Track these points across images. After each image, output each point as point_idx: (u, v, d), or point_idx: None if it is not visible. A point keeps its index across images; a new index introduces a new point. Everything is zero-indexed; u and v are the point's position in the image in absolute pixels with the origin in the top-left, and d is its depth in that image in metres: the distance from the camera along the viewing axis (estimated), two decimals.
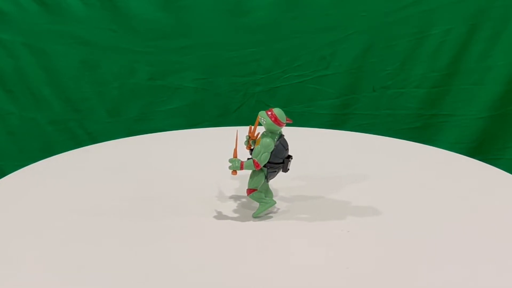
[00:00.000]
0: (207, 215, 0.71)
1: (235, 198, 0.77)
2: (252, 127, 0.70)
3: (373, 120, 1.45)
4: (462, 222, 0.70)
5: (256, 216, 0.70)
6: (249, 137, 0.71)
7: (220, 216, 0.71)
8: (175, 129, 1.18)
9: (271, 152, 0.67)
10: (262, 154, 0.67)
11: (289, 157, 0.70)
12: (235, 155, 0.69)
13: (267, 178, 0.70)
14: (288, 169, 0.70)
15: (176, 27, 1.37)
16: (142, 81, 1.42)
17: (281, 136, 0.69)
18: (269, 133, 0.68)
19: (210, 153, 0.95)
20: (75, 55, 1.38)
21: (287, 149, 0.70)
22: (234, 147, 0.70)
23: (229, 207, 0.74)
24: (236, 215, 0.72)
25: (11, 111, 1.41)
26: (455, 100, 1.42)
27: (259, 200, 0.70)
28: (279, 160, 0.69)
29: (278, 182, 0.74)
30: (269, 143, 0.67)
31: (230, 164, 0.68)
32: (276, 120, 0.66)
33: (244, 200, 0.76)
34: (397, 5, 1.35)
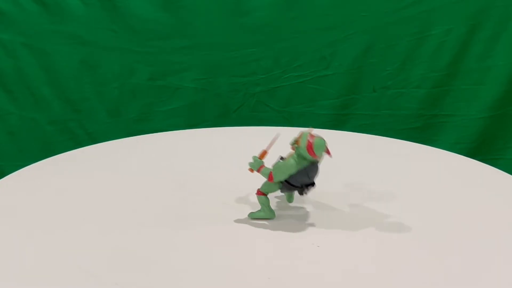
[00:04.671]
0: (206, 214, 0.71)
1: (235, 197, 0.77)
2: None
3: (373, 120, 1.45)
4: (462, 222, 0.70)
5: (252, 218, 0.70)
6: (295, 141, 0.67)
7: (218, 213, 0.71)
8: (175, 129, 1.18)
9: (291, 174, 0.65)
10: (281, 172, 0.65)
11: (312, 184, 0.67)
12: (260, 156, 0.68)
13: (281, 190, 0.69)
14: (305, 194, 0.68)
15: (176, 27, 1.37)
16: (142, 81, 1.42)
17: (313, 164, 0.66)
18: (301, 155, 0.64)
19: (210, 153, 0.95)
20: (75, 55, 1.38)
21: (311, 177, 0.67)
22: (265, 148, 0.68)
23: (228, 206, 0.74)
24: (233, 213, 0.71)
25: (11, 111, 1.41)
26: (455, 100, 1.42)
27: (262, 205, 0.69)
28: (297, 183, 0.67)
29: None
30: (291, 166, 0.65)
31: (252, 161, 0.67)
32: (310, 151, 0.63)
33: (244, 199, 0.76)
34: (397, 5, 1.35)
